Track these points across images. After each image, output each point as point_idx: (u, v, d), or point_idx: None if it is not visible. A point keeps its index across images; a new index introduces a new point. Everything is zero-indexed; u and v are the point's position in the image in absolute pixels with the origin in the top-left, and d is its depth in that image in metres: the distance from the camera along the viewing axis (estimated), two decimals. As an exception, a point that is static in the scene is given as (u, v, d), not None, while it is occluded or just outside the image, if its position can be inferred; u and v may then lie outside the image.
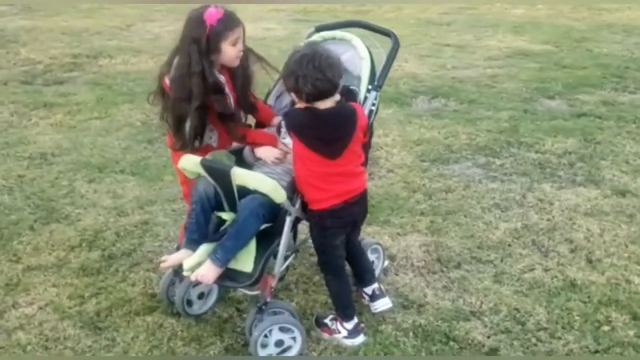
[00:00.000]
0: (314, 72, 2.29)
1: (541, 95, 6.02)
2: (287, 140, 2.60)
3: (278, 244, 2.49)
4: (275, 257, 2.53)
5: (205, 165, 2.51)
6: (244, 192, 2.46)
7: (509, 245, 3.35)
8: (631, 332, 2.64)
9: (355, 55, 2.77)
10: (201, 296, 2.80)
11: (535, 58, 7.77)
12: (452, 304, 2.85)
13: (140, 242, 3.36)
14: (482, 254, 3.26)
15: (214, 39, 2.49)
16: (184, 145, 2.60)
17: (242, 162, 2.74)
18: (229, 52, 2.55)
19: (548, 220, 3.63)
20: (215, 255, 2.42)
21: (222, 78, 2.63)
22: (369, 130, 2.66)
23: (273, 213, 2.47)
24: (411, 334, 2.64)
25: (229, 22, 2.53)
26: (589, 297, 2.89)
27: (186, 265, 2.47)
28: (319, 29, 2.99)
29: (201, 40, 2.48)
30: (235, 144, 2.80)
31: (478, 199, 3.89)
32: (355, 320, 2.60)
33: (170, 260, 2.56)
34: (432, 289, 2.96)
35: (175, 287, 2.76)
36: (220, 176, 2.49)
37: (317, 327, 2.68)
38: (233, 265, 2.47)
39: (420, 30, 9.86)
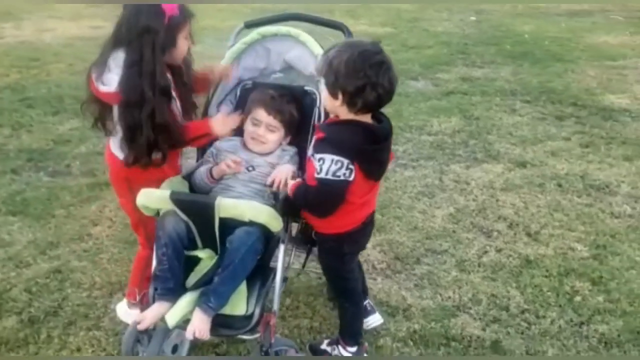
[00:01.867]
0: (387, 84, 1.94)
1: (405, 77, 6.21)
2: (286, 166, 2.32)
3: (274, 277, 2.21)
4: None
5: (178, 199, 2.12)
6: (227, 224, 2.14)
7: (454, 231, 3.37)
8: (600, 298, 2.78)
9: (306, 52, 2.52)
10: (175, 349, 2.40)
11: (382, 41, 8.00)
12: (433, 302, 2.77)
13: (63, 295, 2.81)
14: (434, 245, 3.23)
15: (172, 31, 2.15)
16: (136, 159, 2.20)
17: (194, 189, 2.39)
18: (183, 47, 2.23)
19: (474, 200, 3.72)
20: (208, 304, 2.06)
21: (169, 79, 2.24)
22: None
23: (266, 243, 2.17)
24: (410, 342, 2.52)
25: (187, 12, 2.21)
26: (547, 270, 2.99)
27: (171, 320, 2.08)
28: (249, 25, 2.66)
29: (159, 32, 2.11)
30: (186, 167, 2.44)
31: (402, 189, 3.87)
32: (360, 342, 2.41)
33: (147, 318, 2.13)
34: (406, 290, 2.86)
35: (142, 344, 2.33)
36: (200, 210, 2.12)
37: (314, 354, 2.44)
38: (223, 310, 2.13)
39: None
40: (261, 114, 2.37)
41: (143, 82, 2.11)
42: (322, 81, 2.02)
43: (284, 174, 2.24)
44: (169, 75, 2.24)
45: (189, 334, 2.04)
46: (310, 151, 2.10)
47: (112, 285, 2.88)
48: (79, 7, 9.85)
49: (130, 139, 2.17)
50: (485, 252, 3.16)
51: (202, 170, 2.37)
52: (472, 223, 3.45)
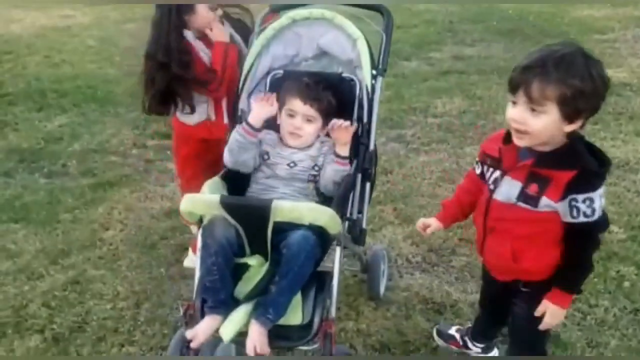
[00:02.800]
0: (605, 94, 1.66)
1: (398, 58, 6.06)
2: None
3: (329, 282, 2.05)
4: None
5: (229, 204, 1.96)
6: (278, 228, 1.97)
7: (483, 218, 3.25)
8: (648, 282, 2.70)
9: (341, 36, 2.37)
10: None
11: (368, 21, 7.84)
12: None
13: (85, 309, 2.60)
14: (467, 234, 3.11)
15: None
16: (150, 107, 2.52)
17: (235, 190, 2.22)
18: (203, 14, 2.46)
19: (497, 184, 3.61)
20: (266, 316, 1.91)
21: (200, 44, 2.49)
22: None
23: (324, 248, 2.02)
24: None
25: None
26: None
27: (226, 335, 1.91)
28: (276, 9, 2.54)
29: None
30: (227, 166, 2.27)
31: (420, 175, 3.74)
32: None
33: (199, 334, 1.95)
34: (448, 285, 2.74)
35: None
36: (254, 214, 1.96)
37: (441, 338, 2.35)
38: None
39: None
40: (297, 104, 2.21)
41: (158, 40, 2.39)
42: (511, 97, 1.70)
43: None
44: (200, 42, 2.48)
45: (249, 349, 1.88)
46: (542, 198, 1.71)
47: (137, 294, 2.69)
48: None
49: (146, 88, 2.47)
50: (521, 238, 3.05)
51: (237, 128, 2.23)
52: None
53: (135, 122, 4.64)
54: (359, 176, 2.25)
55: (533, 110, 1.63)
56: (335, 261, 2.04)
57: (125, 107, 4.93)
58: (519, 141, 1.70)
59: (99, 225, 3.24)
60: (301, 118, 2.21)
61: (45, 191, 3.57)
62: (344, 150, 2.18)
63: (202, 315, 1.97)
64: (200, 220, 2.05)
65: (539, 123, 1.63)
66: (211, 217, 2.00)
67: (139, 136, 4.41)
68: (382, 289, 2.70)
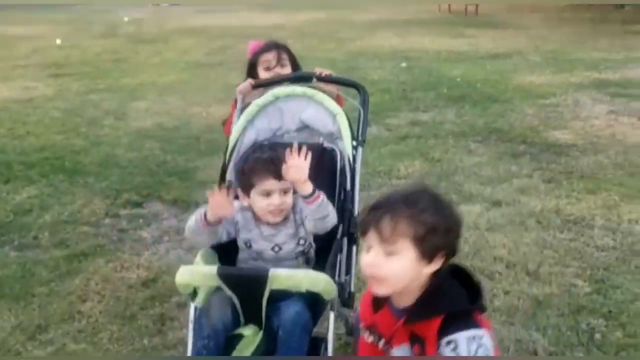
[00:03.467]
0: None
1: (358, 124, 6.30)
2: None
3: (325, 348, 2.09)
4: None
5: (226, 275, 2.02)
6: (271, 296, 2.03)
7: (457, 276, 3.37)
8: (619, 334, 2.84)
9: (322, 111, 2.58)
10: None
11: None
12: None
13: (70, 385, 2.55)
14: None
15: (253, 65, 3.00)
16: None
17: (226, 258, 2.28)
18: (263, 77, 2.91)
19: (465, 242, 3.71)
20: None
21: None
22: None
23: (317, 315, 2.11)
24: None
25: (264, 46, 3.01)
26: (559, 309, 3.04)
27: None
28: (257, 86, 2.82)
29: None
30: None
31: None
32: None
33: None
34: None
35: None
36: (251, 284, 2.03)
37: None
38: None
39: (199, 73, 9.63)
40: (271, 183, 2.17)
41: None
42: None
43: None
44: None
45: None
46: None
47: (122, 367, 2.65)
48: (4, 67, 9.39)
49: None
50: (495, 295, 3.18)
51: (198, 212, 2.15)
52: (472, 266, 3.47)
53: (105, 191, 4.64)
54: (345, 240, 2.33)
55: (388, 254, 1.53)
56: (330, 327, 2.08)
57: (95, 176, 4.94)
58: (377, 289, 1.58)
59: (76, 297, 3.20)
60: (279, 194, 2.18)
61: (17, 264, 3.51)
62: (306, 189, 2.10)
63: None
64: (195, 292, 2.08)
65: (395, 266, 1.53)
66: (208, 296, 2.06)
67: (111, 206, 4.41)
68: None
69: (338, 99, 2.76)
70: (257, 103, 2.60)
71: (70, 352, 2.75)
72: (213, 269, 2.03)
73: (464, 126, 6.35)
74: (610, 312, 3.01)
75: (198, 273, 2.04)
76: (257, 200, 2.20)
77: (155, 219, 4.21)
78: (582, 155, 5.36)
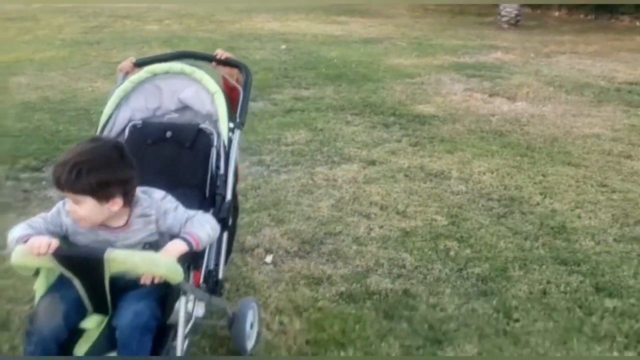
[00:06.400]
0: None
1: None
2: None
3: (174, 337, 2.02)
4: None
5: (59, 255, 1.88)
6: (116, 283, 1.96)
7: (340, 217, 3.98)
8: (468, 251, 3.58)
9: (201, 90, 2.49)
10: None
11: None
12: (347, 270, 3.34)
13: (6, 311, 2.82)
14: (329, 228, 3.80)
15: None
16: None
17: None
18: None
19: (346, 192, 4.38)
20: None
21: None
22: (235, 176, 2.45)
23: (163, 302, 2.02)
24: (342, 300, 3.04)
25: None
26: (422, 237, 3.73)
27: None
28: (140, 64, 2.64)
29: None
30: None
31: (284, 189, 4.39)
32: None
33: None
34: (322, 265, 3.38)
35: None
36: (87, 267, 1.90)
37: None
38: None
39: (78, 50, 9.52)
40: (58, 189, 2.02)
41: None
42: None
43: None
44: None
45: None
46: None
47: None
48: None
49: None
50: (371, 229, 3.82)
51: (16, 233, 1.98)
52: (352, 209, 4.10)
53: (1, 158, 4.74)
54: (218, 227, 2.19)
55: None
56: (181, 311, 2.00)
57: (-13, 144, 4.99)
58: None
59: (-6, 245, 3.40)
60: (71, 202, 1.98)
61: None
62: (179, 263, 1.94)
63: None
64: (37, 273, 2.00)
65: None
66: (40, 297, 1.98)
67: (9, 170, 4.54)
68: (250, 344, 2.58)
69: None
70: (131, 80, 2.48)
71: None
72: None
73: (342, 101, 7.00)
74: (461, 237, 3.74)
75: (30, 254, 1.87)
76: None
77: (58, 181, 4.41)
78: (442, 124, 6.20)
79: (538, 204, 4.28)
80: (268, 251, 3.51)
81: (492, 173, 4.82)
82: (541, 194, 4.45)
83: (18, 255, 1.90)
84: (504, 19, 13.63)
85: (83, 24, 12.36)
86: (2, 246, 3.35)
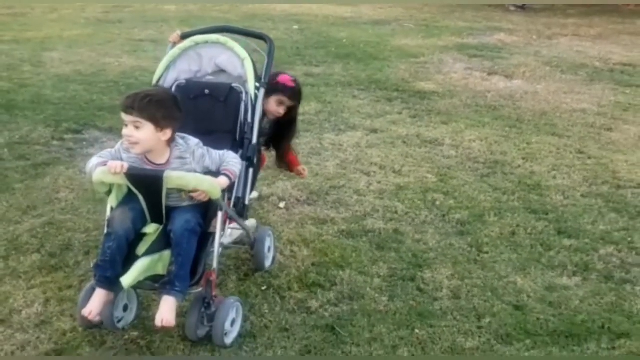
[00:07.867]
0: None
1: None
2: None
3: (212, 241, 2.61)
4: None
5: (130, 174, 2.45)
6: (170, 206, 2.55)
7: (344, 174, 4.58)
8: (452, 202, 4.17)
9: (233, 56, 3.00)
10: (125, 308, 2.72)
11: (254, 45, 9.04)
12: (348, 214, 3.94)
13: (68, 237, 3.46)
14: (334, 183, 4.40)
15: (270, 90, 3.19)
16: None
17: None
18: (272, 105, 3.33)
19: (350, 155, 4.97)
20: (174, 289, 2.45)
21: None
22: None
23: (204, 215, 2.60)
24: (342, 237, 3.65)
25: (291, 90, 3.39)
26: (414, 191, 4.32)
27: (125, 282, 2.42)
28: (185, 36, 3.12)
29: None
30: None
31: (296, 151, 4.96)
32: None
33: (94, 308, 2.46)
34: (327, 210, 3.98)
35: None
36: (150, 183, 2.47)
37: None
38: (145, 274, 2.48)
39: (102, 29, 10.10)
40: (123, 115, 2.50)
41: None
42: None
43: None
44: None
45: (157, 321, 2.41)
46: None
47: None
48: None
49: None
50: (370, 184, 4.42)
51: (94, 162, 2.53)
52: (355, 168, 4.70)
53: (45, 122, 5.38)
54: (244, 164, 2.83)
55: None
56: (218, 222, 2.59)
57: (32, 111, 5.63)
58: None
59: (50, 190, 4.04)
60: (131, 126, 2.47)
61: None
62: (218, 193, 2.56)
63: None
64: (110, 191, 2.55)
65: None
66: (114, 210, 2.55)
67: (54, 132, 5.17)
68: (267, 263, 3.22)
69: None
70: (179, 47, 3.01)
71: (59, 221, 3.63)
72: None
73: (350, 78, 7.56)
74: (447, 191, 4.34)
75: (109, 172, 2.43)
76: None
77: (97, 142, 5.05)
78: (441, 99, 6.76)
79: (519, 166, 4.86)
80: (281, 199, 4.12)
81: (482, 141, 5.40)
82: (523, 158, 5.03)
83: (99, 174, 2.43)
84: (512, 1, 14.06)
85: (103, 4, 12.93)
86: (57, 189, 4.01)
